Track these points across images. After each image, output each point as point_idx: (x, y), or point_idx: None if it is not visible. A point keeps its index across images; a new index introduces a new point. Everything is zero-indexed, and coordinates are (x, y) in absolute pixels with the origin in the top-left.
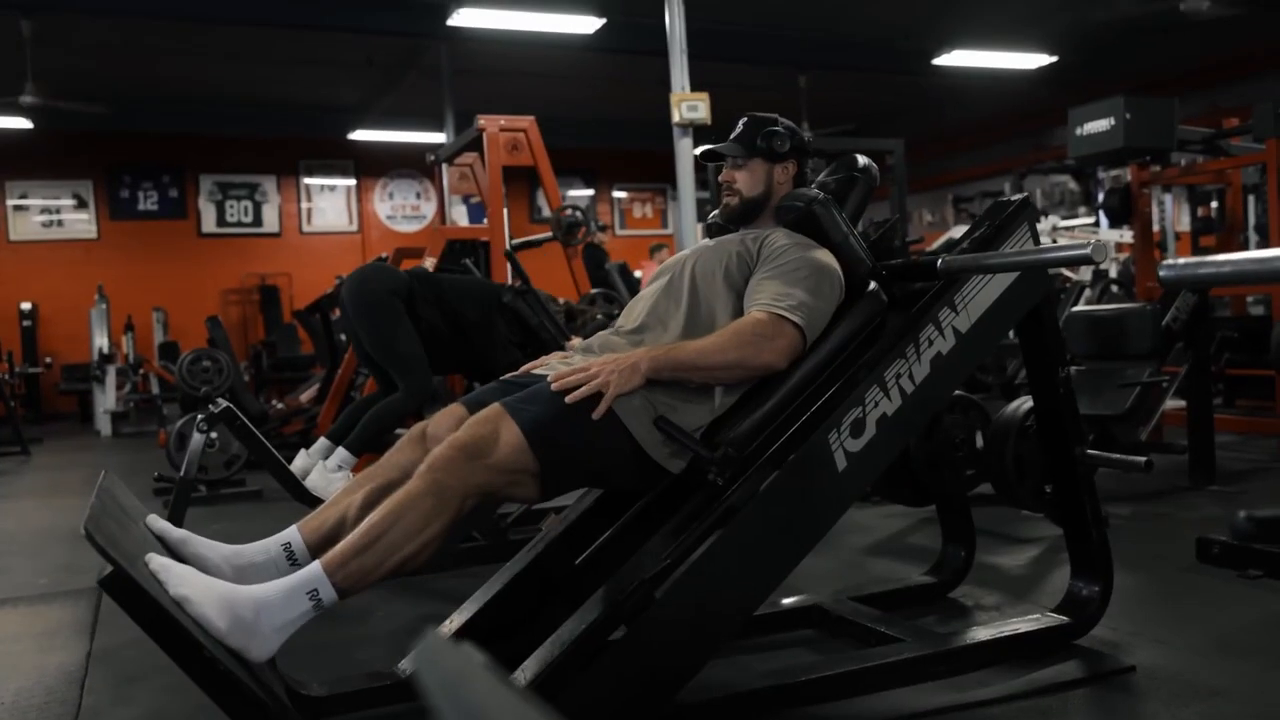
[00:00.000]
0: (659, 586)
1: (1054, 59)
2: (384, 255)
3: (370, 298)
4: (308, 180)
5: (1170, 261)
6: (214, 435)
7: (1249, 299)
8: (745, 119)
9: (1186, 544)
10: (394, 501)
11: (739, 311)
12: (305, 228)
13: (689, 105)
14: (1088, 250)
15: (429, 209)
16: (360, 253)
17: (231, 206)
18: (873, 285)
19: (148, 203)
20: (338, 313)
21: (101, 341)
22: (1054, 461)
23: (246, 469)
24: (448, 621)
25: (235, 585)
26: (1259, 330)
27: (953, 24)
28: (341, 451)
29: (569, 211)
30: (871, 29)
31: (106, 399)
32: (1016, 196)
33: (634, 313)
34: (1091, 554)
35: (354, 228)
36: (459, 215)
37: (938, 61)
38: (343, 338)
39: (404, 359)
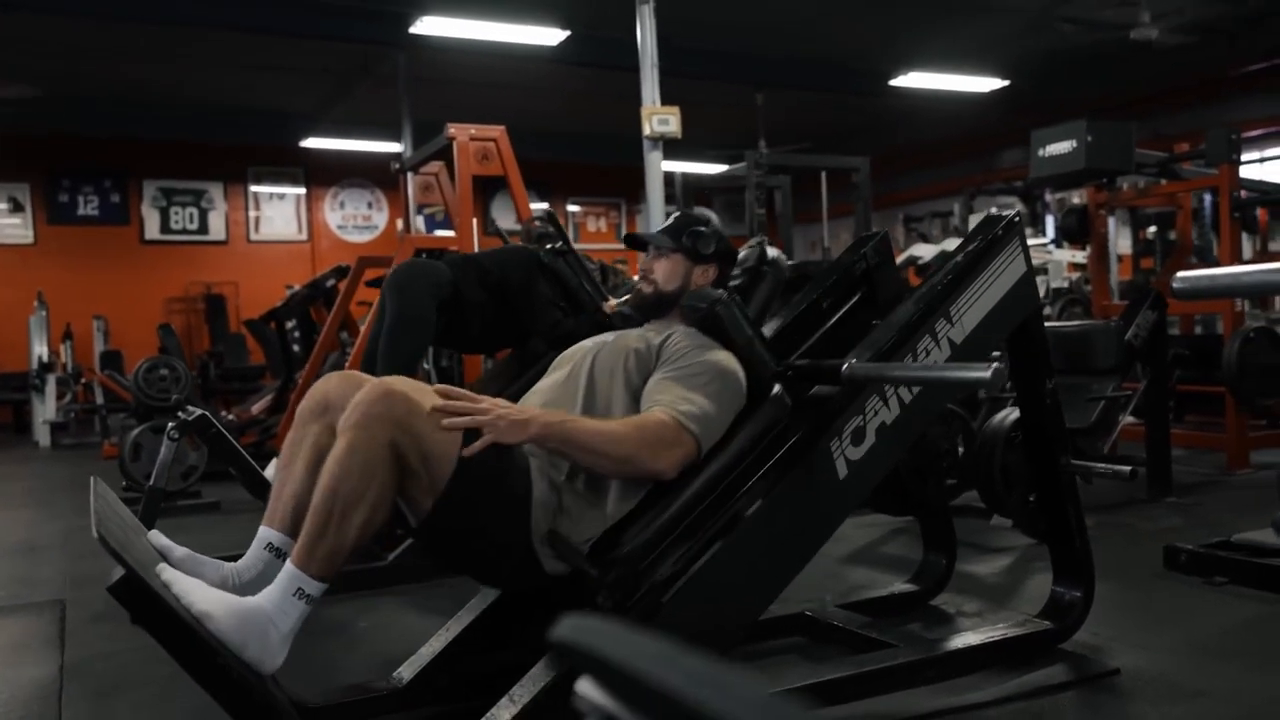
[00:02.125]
0: (666, 593)
1: (1006, 83)
2: (344, 265)
3: (410, 310)
4: (256, 188)
5: (1184, 274)
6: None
7: (1196, 317)
8: (677, 214)
9: (1151, 552)
10: (327, 474)
11: (634, 411)
12: (253, 236)
13: (660, 119)
14: (986, 374)
15: (381, 219)
16: (310, 262)
17: (176, 213)
18: (777, 388)
19: (88, 207)
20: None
21: (41, 350)
22: (1039, 470)
23: (202, 481)
24: (444, 629)
25: (244, 599)
26: (1209, 348)
27: (909, 46)
28: None
29: (539, 223)
30: (830, 49)
31: (46, 409)
32: (1008, 213)
33: (529, 403)
34: (1074, 560)
35: (303, 237)
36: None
37: (894, 83)
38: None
39: (399, 366)
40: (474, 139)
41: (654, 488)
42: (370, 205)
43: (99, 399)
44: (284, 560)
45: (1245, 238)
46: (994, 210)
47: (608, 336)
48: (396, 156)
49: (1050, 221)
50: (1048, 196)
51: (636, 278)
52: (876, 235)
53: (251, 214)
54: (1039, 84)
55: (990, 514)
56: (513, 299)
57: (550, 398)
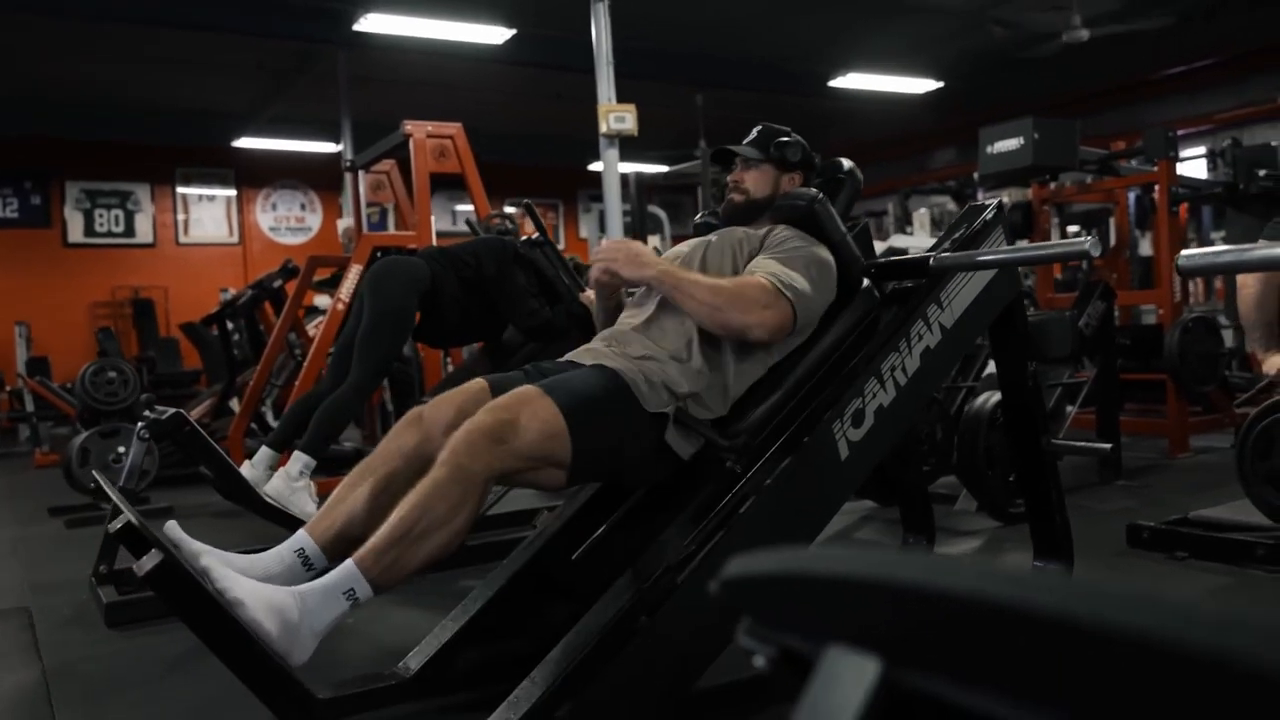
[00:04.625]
0: (682, 573)
1: (940, 84)
2: (292, 264)
3: (390, 304)
4: (184, 189)
5: (1188, 252)
6: (122, 450)
7: (1140, 308)
8: (760, 127)
9: (1112, 531)
10: (420, 493)
11: None
12: (182, 239)
13: (616, 116)
14: (1085, 245)
15: (315, 221)
16: (242, 265)
17: (101, 215)
18: (866, 282)
19: (7, 210)
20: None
21: None
22: (1021, 451)
23: (152, 487)
24: (449, 619)
25: (279, 589)
26: (1148, 338)
27: (847, 47)
28: (302, 456)
29: (498, 220)
30: (769, 50)
31: None
32: (991, 202)
33: (642, 305)
34: (1055, 537)
35: (235, 239)
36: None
37: (833, 84)
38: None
39: (378, 360)
40: (431, 136)
41: (767, 374)
42: (304, 207)
43: (29, 406)
44: (310, 573)
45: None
46: (925, 209)
47: (710, 237)
48: (339, 156)
49: None
50: (980, 196)
51: (728, 189)
52: (858, 225)
53: (180, 216)
54: (972, 85)
55: (954, 499)
56: (490, 290)
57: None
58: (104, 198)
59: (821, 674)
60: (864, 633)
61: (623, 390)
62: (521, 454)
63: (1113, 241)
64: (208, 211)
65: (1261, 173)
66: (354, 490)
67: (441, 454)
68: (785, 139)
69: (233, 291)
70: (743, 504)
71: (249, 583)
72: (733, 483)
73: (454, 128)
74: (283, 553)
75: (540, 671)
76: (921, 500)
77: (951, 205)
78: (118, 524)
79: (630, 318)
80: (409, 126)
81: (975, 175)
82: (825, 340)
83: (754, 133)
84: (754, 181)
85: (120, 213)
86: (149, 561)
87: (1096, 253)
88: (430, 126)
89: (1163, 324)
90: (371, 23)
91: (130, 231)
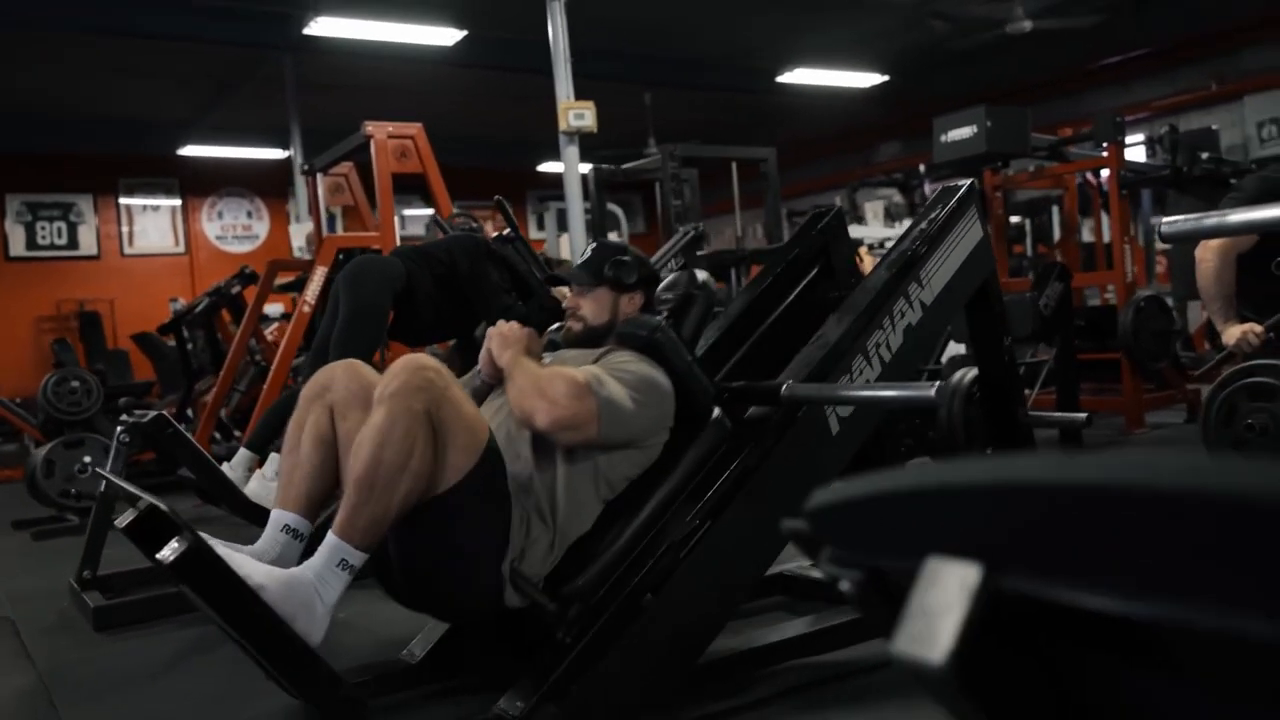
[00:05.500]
0: (684, 550)
1: (885, 78)
2: (249, 270)
3: (365, 303)
4: (128, 200)
5: (1170, 219)
6: (88, 460)
7: (1087, 291)
8: (594, 245)
9: None
10: (367, 444)
11: None
12: (127, 250)
13: (576, 113)
14: (930, 394)
15: (262, 229)
16: (189, 275)
17: (43, 228)
18: (717, 412)
19: None
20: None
21: None
22: (998, 423)
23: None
24: None
25: (292, 570)
26: (1101, 318)
27: (792, 43)
28: (277, 457)
29: (461, 219)
30: (717, 48)
31: None
32: (963, 182)
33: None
34: None
35: (181, 249)
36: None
37: (782, 79)
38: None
39: (359, 353)
40: (392, 136)
41: (602, 514)
42: (250, 215)
43: None
44: (300, 541)
45: (1105, 219)
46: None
47: (562, 353)
48: (287, 162)
49: None
50: (926, 187)
51: (566, 317)
52: (831, 211)
53: (124, 227)
54: (916, 79)
55: None
56: (464, 287)
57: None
58: (46, 210)
59: (923, 584)
60: (964, 540)
61: (505, 496)
62: (444, 414)
63: (1056, 227)
64: (152, 221)
65: (1204, 156)
66: (297, 452)
67: (375, 393)
68: (623, 258)
69: (183, 301)
70: (746, 479)
71: (265, 567)
72: (732, 458)
73: (415, 128)
74: (273, 536)
75: (549, 653)
76: None
77: (898, 197)
78: (128, 517)
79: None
80: (370, 128)
81: (921, 167)
82: (675, 476)
83: (587, 252)
84: (590, 308)
85: (63, 225)
86: (178, 546)
87: (942, 401)
88: (391, 127)
89: (1116, 305)
90: (321, 26)
91: (74, 244)
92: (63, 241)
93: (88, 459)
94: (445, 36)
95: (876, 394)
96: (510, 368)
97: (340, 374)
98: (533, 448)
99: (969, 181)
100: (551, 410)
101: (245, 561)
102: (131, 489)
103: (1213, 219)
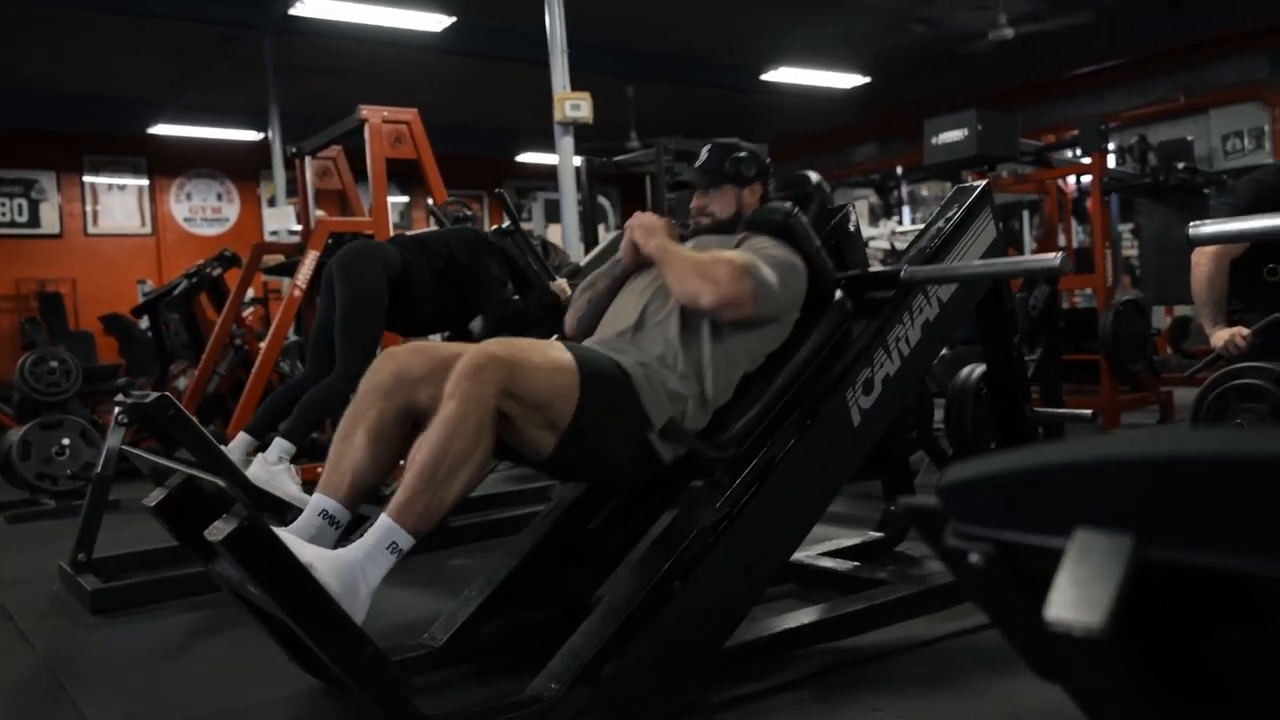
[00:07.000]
0: (714, 535)
1: (867, 80)
2: (230, 253)
3: (364, 290)
4: (93, 178)
5: (1198, 223)
6: (66, 443)
7: (1074, 293)
8: (710, 146)
9: None
10: (435, 432)
11: None
12: (91, 229)
13: (572, 104)
14: (1054, 262)
15: (232, 212)
16: (155, 257)
17: (3, 204)
18: (839, 294)
19: None
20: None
21: None
22: (1006, 419)
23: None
24: (472, 591)
25: (338, 551)
26: (1080, 321)
27: (776, 42)
28: (281, 442)
29: (454, 206)
30: (701, 44)
31: None
32: (978, 184)
33: (626, 311)
34: None
35: (147, 230)
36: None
37: (764, 77)
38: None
39: (362, 344)
40: (387, 121)
41: (742, 383)
42: (220, 197)
43: None
44: (336, 529)
45: (1076, 226)
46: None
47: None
48: (263, 144)
49: (907, 212)
50: (902, 189)
51: (692, 216)
52: (842, 209)
53: (89, 206)
54: (896, 81)
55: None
56: (463, 280)
57: (647, 299)
58: (6, 186)
59: (1073, 557)
60: (1114, 512)
61: (627, 385)
62: (525, 389)
63: (1027, 233)
64: (118, 201)
65: (1180, 165)
66: (350, 440)
67: (448, 386)
68: (740, 154)
69: (151, 283)
70: (768, 472)
71: (312, 547)
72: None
73: (410, 113)
74: (308, 520)
75: (582, 636)
76: (904, 469)
77: (874, 198)
78: (158, 495)
79: (612, 326)
80: (365, 111)
81: (899, 169)
82: (801, 352)
83: (704, 154)
84: (718, 204)
85: (24, 202)
86: (231, 520)
87: (1067, 270)
88: (386, 112)
89: (1095, 308)
90: (307, 7)
91: (35, 221)
92: (24, 219)
93: (66, 440)
94: (434, 22)
95: (997, 267)
96: (662, 254)
97: (406, 363)
98: (680, 327)
99: (984, 183)
100: (716, 290)
101: (294, 541)
102: (169, 464)
103: (1238, 224)
